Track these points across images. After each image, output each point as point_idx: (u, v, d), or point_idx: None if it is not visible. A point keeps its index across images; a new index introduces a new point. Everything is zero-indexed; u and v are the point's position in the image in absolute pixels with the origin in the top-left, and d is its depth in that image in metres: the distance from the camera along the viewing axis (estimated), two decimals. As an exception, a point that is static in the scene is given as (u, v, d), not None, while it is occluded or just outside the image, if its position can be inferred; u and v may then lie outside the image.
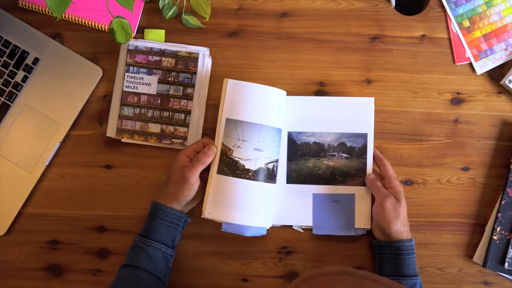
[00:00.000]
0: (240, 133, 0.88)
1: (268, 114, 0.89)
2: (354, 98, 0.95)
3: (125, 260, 0.87)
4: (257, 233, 0.89)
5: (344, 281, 0.51)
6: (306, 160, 0.93)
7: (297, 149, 0.93)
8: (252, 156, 0.88)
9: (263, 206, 0.89)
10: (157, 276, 0.84)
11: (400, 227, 0.86)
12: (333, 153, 0.93)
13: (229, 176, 0.87)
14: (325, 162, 0.93)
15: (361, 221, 0.91)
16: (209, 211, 0.87)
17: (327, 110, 0.93)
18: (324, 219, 0.92)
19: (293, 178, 0.93)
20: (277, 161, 0.90)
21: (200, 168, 0.86)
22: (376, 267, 0.91)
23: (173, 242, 0.87)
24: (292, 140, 0.93)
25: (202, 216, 0.88)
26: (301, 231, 0.94)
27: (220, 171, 0.87)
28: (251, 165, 0.88)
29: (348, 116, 0.93)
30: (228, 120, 0.88)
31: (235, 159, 0.88)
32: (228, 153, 0.88)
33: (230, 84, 0.89)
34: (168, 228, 0.86)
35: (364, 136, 0.92)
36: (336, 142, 0.93)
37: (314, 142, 0.93)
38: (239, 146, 0.88)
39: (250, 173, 0.88)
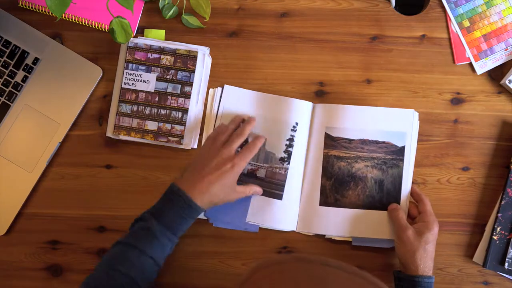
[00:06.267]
0: None
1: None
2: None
3: (130, 238, 0.81)
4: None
5: (296, 269, 0.50)
6: None
7: None
8: None
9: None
10: (159, 265, 0.81)
11: (417, 260, 0.84)
12: None
13: None
14: None
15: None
16: None
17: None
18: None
19: None
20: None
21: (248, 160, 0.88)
22: None
23: (183, 233, 0.84)
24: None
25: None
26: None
27: None
28: None
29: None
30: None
31: None
32: None
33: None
34: (189, 224, 0.83)
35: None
36: None
37: None
38: None
39: None
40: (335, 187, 0.92)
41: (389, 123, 0.92)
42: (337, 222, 0.91)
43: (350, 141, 0.92)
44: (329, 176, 0.92)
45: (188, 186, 0.83)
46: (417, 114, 0.94)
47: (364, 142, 0.92)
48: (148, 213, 0.82)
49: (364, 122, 0.92)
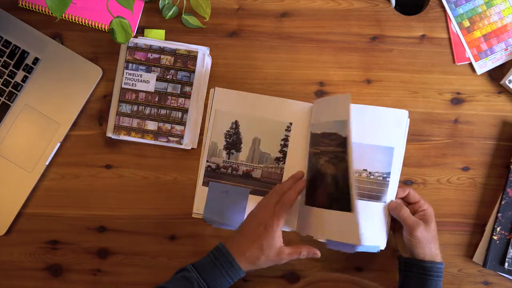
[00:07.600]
0: None
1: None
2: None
3: (170, 283, 0.83)
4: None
5: None
6: None
7: None
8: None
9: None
10: None
11: (433, 250, 0.84)
12: None
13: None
14: None
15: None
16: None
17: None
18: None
19: None
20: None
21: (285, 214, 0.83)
22: (398, 283, 0.88)
23: None
24: None
25: (200, 217, 0.90)
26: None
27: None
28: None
29: None
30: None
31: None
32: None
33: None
34: (227, 284, 0.82)
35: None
36: None
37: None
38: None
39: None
40: (309, 185, 0.88)
41: (331, 112, 0.84)
42: (312, 223, 0.86)
43: (316, 135, 0.88)
44: (308, 173, 0.90)
45: (233, 246, 0.83)
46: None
47: (324, 135, 0.85)
48: (192, 266, 0.83)
49: (326, 114, 0.86)
